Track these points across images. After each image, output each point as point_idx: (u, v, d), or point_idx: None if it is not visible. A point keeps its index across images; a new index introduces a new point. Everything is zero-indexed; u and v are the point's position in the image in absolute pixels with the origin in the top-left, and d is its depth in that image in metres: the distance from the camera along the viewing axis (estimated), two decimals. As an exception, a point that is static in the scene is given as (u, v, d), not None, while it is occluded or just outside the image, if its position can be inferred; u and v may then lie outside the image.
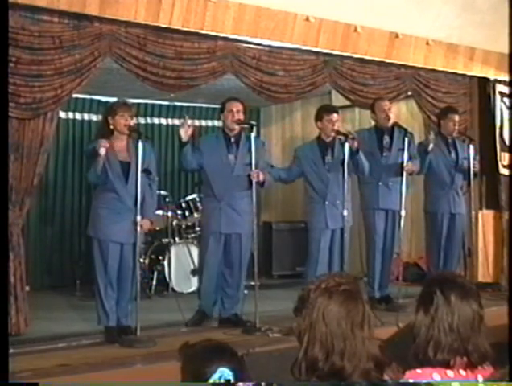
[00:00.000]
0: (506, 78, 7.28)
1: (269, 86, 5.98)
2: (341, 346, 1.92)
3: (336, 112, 5.81)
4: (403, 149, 5.84)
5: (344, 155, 5.48)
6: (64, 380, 3.93)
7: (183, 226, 7.47)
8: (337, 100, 7.47)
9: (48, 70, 4.78)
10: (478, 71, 7.21)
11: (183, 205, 7.44)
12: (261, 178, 5.25)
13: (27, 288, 5.21)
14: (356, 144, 5.53)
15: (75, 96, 6.22)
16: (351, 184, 5.87)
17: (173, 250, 7.14)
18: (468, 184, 6.50)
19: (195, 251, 6.96)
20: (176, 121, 8.50)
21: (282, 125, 9.21)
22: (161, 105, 8.62)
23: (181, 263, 7.13)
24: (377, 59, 6.46)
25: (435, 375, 2.13)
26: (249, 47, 5.80)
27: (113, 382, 4.02)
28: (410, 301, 5.15)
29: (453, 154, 6.62)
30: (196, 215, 7.29)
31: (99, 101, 7.92)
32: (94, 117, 7.93)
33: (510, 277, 6.66)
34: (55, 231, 7.88)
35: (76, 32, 4.87)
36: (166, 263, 7.05)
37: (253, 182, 5.19)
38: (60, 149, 7.88)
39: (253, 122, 5.41)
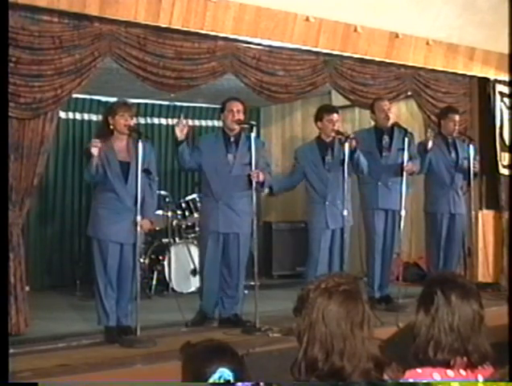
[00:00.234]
0: (506, 78, 7.29)
1: (269, 86, 5.98)
2: (341, 347, 1.91)
3: (337, 113, 5.81)
4: (403, 150, 5.84)
5: (344, 155, 5.48)
6: (63, 380, 3.93)
7: (183, 226, 7.46)
8: (337, 100, 7.46)
9: (48, 70, 4.78)
10: (478, 71, 7.21)
11: (183, 205, 7.44)
12: (261, 178, 5.24)
13: (27, 288, 5.20)
14: (354, 143, 5.53)
15: (75, 96, 6.22)
16: (351, 184, 5.87)
17: (173, 250, 7.14)
18: (468, 184, 6.49)
19: (195, 251, 6.95)
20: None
21: (282, 125, 9.20)
22: (161, 105, 8.61)
23: (181, 263, 7.13)
24: (377, 59, 6.46)
25: (436, 375, 2.13)
26: (249, 47, 5.80)
27: (113, 382, 4.02)
28: (410, 301, 5.16)
29: (453, 154, 6.61)
30: (195, 215, 7.28)
31: (99, 101, 7.92)
32: (94, 117, 7.93)
33: (510, 277, 6.67)
34: (55, 231, 7.88)
35: (76, 32, 4.87)
36: (166, 263, 7.05)
37: (253, 183, 5.19)
38: (60, 149, 7.87)
39: (253, 122, 5.41)
